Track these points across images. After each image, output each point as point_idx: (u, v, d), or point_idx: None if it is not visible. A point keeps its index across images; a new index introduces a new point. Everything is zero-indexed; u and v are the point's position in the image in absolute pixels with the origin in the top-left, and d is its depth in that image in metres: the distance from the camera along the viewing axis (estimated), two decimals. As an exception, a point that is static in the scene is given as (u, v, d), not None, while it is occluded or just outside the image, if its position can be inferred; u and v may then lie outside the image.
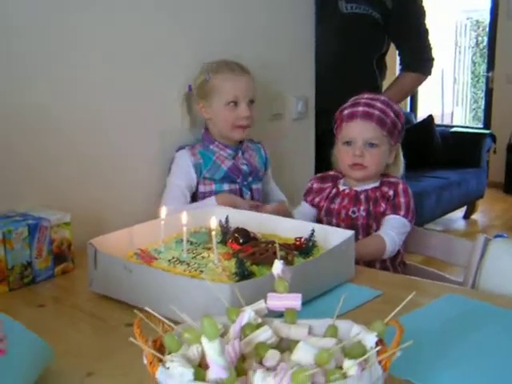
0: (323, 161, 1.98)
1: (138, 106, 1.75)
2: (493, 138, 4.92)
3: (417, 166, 4.23)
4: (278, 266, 0.90)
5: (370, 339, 0.79)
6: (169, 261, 1.23)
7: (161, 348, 0.82)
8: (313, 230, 1.28)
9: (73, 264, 1.38)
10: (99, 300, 1.21)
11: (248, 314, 0.86)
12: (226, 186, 1.78)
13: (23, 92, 1.49)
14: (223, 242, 1.34)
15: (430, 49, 2.41)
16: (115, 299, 1.18)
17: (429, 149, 4.76)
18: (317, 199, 1.73)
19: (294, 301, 0.89)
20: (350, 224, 1.61)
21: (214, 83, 1.75)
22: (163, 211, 1.32)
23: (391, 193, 1.63)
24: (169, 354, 0.79)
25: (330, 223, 1.64)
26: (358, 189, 1.67)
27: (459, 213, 4.79)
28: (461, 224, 4.72)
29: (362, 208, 1.64)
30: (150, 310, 0.82)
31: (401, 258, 1.71)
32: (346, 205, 1.66)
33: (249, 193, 1.83)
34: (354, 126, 1.64)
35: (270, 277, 1.07)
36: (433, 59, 2.42)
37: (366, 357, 0.75)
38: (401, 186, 1.64)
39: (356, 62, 2.38)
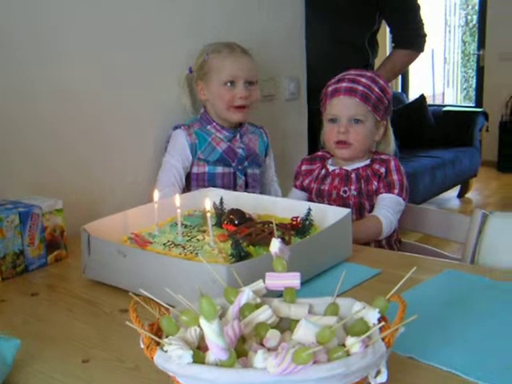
0: (316, 141, 1.96)
1: (134, 88, 1.73)
2: (485, 116, 4.91)
3: (410, 146, 4.22)
4: (275, 245, 0.88)
5: (372, 316, 0.78)
6: (164, 244, 1.20)
7: (158, 332, 0.79)
8: (309, 209, 1.26)
9: (66, 251, 1.35)
10: (93, 286, 1.18)
11: (247, 295, 0.84)
12: (219, 169, 1.76)
13: (11, 78, 1.45)
14: (218, 224, 1.32)
15: (422, 25, 2.38)
16: (109, 285, 1.16)
17: (421, 128, 4.75)
18: (306, 181, 1.71)
19: (293, 280, 0.87)
20: (341, 204, 1.59)
21: (213, 63, 1.73)
22: (156, 195, 1.29)
23: (383, 170, 1.61)
24: (166, 337, 0.77)
25: None
26: (349, 168, 1.64)
27: (453, 192, 4.79)
28: (455, 203, 4.72)
29: (352, 187, 1.62)
30: (146, 293, 0.79)
31: (396, 236, 1.70)
32: (337, 185, 1.64)
33: (243, 177, 1.80)
34: (337, 103, 1.61)
35: (267, 257, 1.05)
36: (425, 35, 2.39)
37: (369, 333, 0.73)
38: (392, 163, 1.62)
39: (348, 40, 2.35)
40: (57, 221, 1.32)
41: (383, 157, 1.65)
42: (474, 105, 6.19)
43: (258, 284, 0.87)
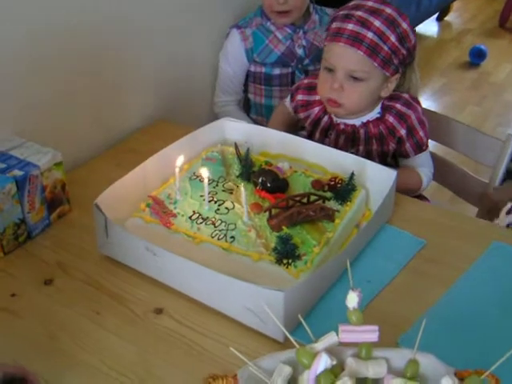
0: None
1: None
2: None
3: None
4: (353, 299, 0.77)
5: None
6: (190, 218, 1.06)
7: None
8: (353, 173, 1.11)
9: (69, 205, 1.18)
10: (111, 269, 1.04)
11: (324, 361, 0.75)
12: (277, 71, 1.67)
13: None
14: (244, 176, 1.17)
15: None
16: (131, 268, 1.03)
17: None
18: (302, 115, 1.43)
19: (371, 334, 0.77)
20: None
21: None
22: (180, 159, 1.12)
23: (403, 132, 1.32)
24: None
25: None
26: (356, 123, 1.35)
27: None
28: (433, 30, 4.45)
29: (361, 148, 1.35)
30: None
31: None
32: (343, 145, 1.36)
33: (302, 76, 1.67)
34: (337, 50, 1.26)
35: (323, 269, 0.94)
36: None
37: None
38: (413, 117, 1.32)
39: None
40: (57, 176, 1.13)
41: (399, 107, 1.32)
42: None
43: (332, 338, 0.78)
